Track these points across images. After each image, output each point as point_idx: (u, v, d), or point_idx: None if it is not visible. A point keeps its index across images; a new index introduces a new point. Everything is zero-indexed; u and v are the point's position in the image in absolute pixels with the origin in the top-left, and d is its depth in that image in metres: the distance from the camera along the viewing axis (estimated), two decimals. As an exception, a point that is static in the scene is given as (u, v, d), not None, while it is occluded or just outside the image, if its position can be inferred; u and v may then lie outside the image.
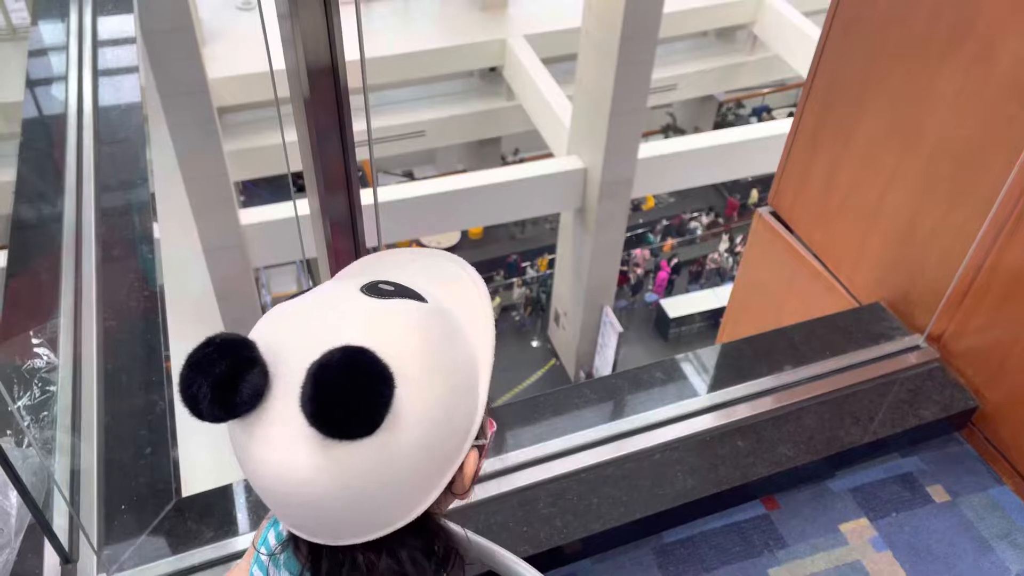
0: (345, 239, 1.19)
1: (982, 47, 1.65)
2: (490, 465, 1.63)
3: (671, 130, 12.16)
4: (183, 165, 6.32)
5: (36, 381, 1.61)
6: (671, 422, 1.73)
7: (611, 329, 9.26)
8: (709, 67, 10.88)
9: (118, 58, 2.83)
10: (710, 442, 1.73)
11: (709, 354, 1.94)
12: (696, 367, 1.88)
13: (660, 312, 10.40)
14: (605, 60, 7.76)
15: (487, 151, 11.57)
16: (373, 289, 0.74)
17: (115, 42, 2.88)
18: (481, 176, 8.63)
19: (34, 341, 1.65)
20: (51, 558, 1.43)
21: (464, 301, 0.81)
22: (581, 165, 8.72)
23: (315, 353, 0.65)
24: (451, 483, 0.76)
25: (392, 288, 0.75)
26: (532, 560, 1.56)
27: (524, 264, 10.92)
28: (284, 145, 1.56)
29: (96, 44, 2.77)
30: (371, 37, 9.51)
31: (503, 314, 10.52)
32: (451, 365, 0.73)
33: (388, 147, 10.05)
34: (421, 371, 0.69)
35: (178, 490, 1.57)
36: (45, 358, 1.64)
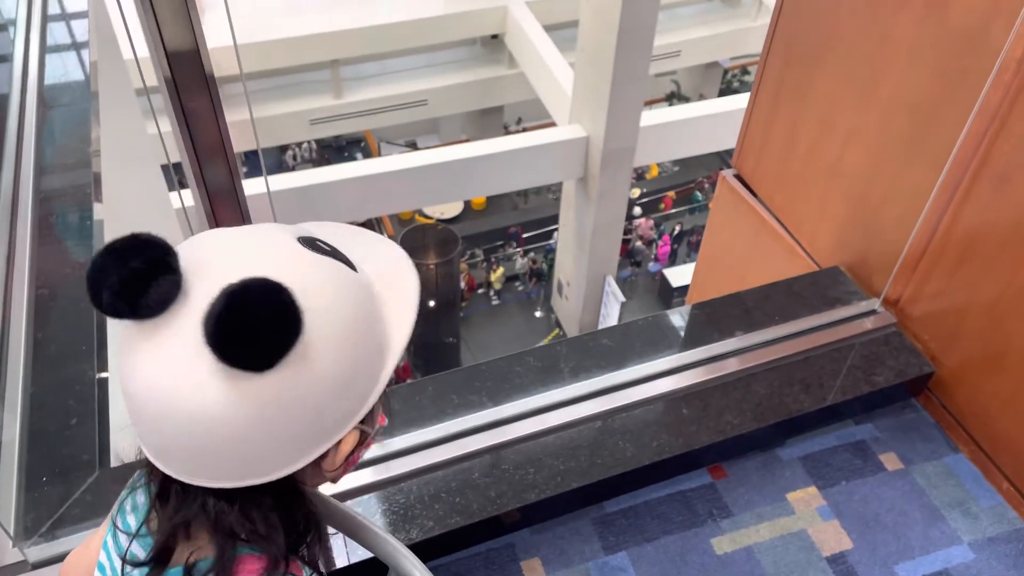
0: (230, 210, 1.13)
1: (936, -4, 1.57)
2: (424, 435, 1.60)
3: (675, 98, 11.97)
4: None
5: (-41, 350, 1.58)
6: (613, 390, 1.68)
7: (614, 299, 9.20)
8: (713, 33, 10.67)
9: (69, 33, 2.77)
10: (653, 410, 1.68)
11: (658, 320, 1.88)
12: (643, 333, 1.83)
13: (664, 282, 10.31)
14: (606, 26, 7.61)
15: (490, 120, 11.45)
16: (310, 243, 0.72)
17: (67, 16, 2.81)
18: (483, 145, 8.53)
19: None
20: (-32, 529, 1.41)
21: (395, 288, 0.78)
22: (583, 134, 8.61)
23: (235, 278, 0.63)
24: (323, 457, 0.73)
25: (328, 249, 0.73)
26: (466, 531, 1.54)
27: (526, 235, 10.84)
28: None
29: (46, 20, 2.70)
30: (373, 6, 9.40)
31: (507, 284, 10.47)
32: (362, 339, 0.71)
33: (390, 116, 9.96)
34: (333, 332, 0.67)
35: (104, 461, 1.54)
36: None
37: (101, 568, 0.81)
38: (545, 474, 1.57)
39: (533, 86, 9.63)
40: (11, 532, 1.40)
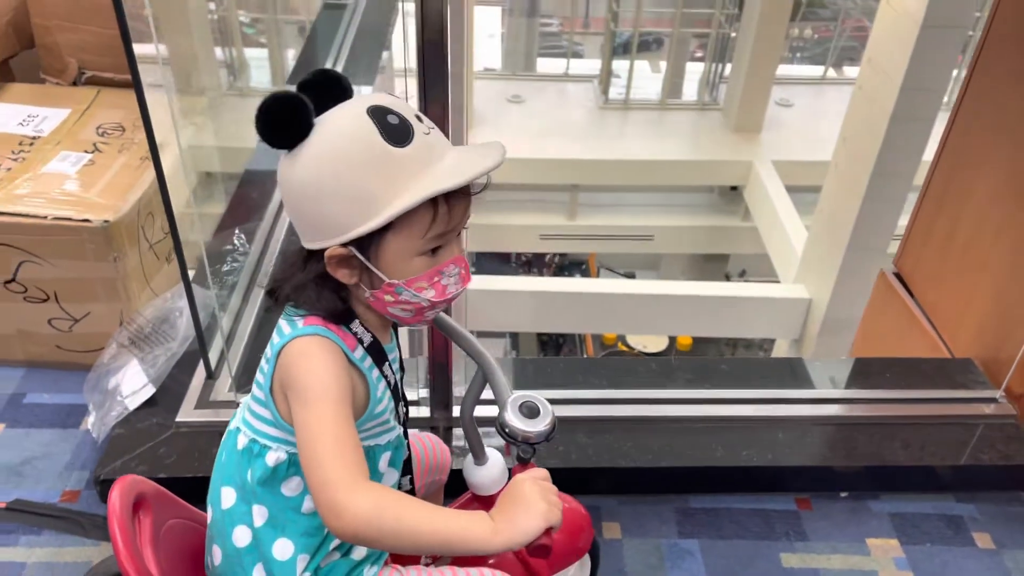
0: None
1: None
2: (544, 394, 1.87)
3: (915, 281, 11.50)
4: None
5: (228, 257, 2.12)
6: (718, 402, 1.88)
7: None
8: (967, 222, 10.30)
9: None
10: (750, 428, 1.85)
11: (774, 362, 2.06)
12: (758, 369, 2.02)
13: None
14: (851, 197, 7.61)
15: (712, 267, 11.62)
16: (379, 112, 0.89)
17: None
18: (699, 286, 8.69)
19: (237, 232, 2.17)
20: (201, 373, 1.89)
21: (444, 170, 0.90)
22: (806, 295, 8.53)
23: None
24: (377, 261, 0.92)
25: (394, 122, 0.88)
26: (559, 473, 1.78)
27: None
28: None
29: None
30: (624, 140, 10.07)
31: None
32: (343, 176, 0.87)
33: (616, 245, 10.46)
34: (319, 152, 0.88)
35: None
36: (240, 244, 2.15)
37: None
38: (641, 450, 1.79)
39: (764, 241, 9.75)
40: (232, 380, 1.85)
